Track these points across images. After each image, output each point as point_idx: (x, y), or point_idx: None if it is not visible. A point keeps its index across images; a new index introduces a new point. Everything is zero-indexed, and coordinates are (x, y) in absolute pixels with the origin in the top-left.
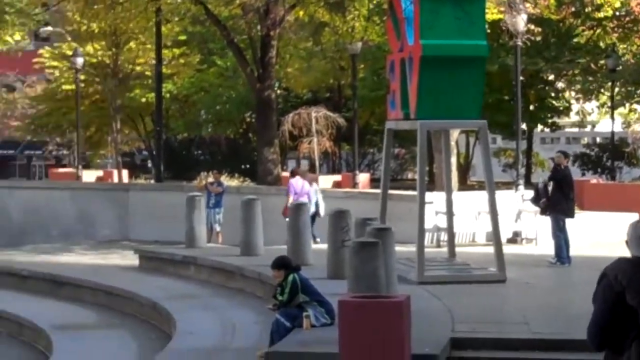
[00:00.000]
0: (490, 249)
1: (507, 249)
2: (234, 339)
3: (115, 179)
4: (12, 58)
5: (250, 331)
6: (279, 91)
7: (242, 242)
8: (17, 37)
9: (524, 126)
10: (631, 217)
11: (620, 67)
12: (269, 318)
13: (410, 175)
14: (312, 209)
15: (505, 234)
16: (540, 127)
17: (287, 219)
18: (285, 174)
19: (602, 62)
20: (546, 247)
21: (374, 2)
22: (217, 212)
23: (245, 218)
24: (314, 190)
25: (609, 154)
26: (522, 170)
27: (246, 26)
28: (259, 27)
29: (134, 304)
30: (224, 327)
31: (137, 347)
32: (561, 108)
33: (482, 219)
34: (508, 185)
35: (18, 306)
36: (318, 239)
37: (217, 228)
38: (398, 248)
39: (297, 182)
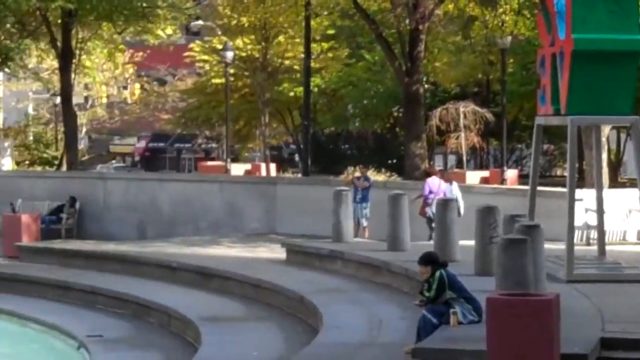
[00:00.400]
0: None
1: None
2: (381, 334)
3: (263, 173)
4: (163, 52)
5: (397, 327)
6: (426, 85)
7: (388, 237)
8: (169, 31)
9: None
10: None
11: None
12: (415, 314)
13: (559, 172)
14: None
15: None
16: None
17: (428, 217)
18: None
19: None
20: None
21: None
22: (363, 206)
23: (392, 213)
24: (450, 189)
25: None
26: None
27: (395, 20)
28: (407, 21)
29: (281, 297)
30: (371, 322)
31: (284, 340)
32: None
33: (633, 217)
34: None
35: (167, 297)
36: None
37: (364, 223)
38: (547, 245)
39: (433, 182)
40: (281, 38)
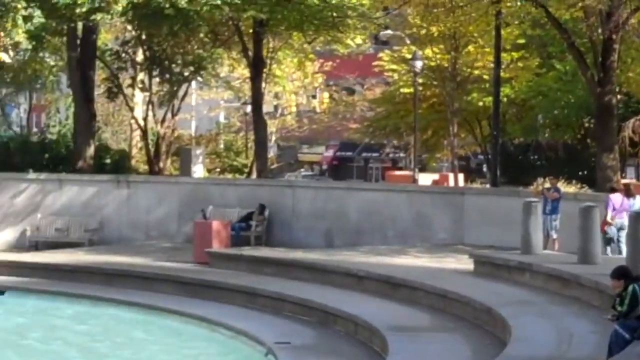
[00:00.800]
0: None
1: None
2: (570, 348)
3: (451, 183)
4: (352, 61)
5: (587, 341)
6: (619, 96)
7: (579, 250)
8: (358, 40)
9: None
10: None
11: None
12: (606, 328)
13: None
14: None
15: None
16: None
17: (606, 234)
18: (625, 181)
19: None
20: None
21: None
22: (553, 218)
23: (583, 226)
24: (633, 205)
25: None
26: None
27: (587, 29)
28: (600, 30)
29: (468, 308)
30: (560, 336)
31: (471, 352)
32: None
33: None
34: None
35: (354, 306)
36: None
37: (554, 235)
38: None
39: (617, 198)
40: (471, 47)
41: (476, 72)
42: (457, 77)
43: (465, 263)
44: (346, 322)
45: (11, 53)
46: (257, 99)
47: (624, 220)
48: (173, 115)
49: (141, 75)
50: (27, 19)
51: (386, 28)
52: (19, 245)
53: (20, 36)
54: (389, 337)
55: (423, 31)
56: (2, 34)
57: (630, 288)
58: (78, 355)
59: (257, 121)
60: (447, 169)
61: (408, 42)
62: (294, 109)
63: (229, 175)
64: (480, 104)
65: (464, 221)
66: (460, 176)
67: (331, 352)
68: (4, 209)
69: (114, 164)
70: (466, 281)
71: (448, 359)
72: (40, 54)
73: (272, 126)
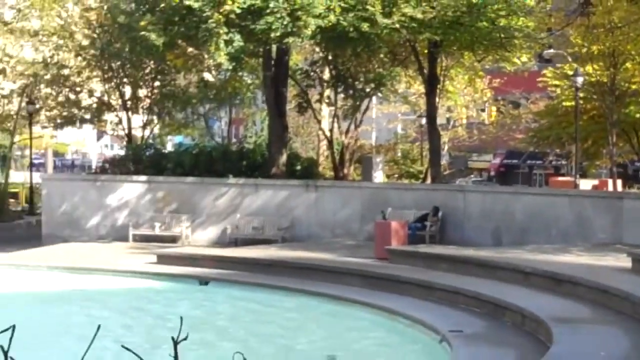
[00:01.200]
0: None
1: None
2: None
3: (610, 188)
4: (518, 78)
5: None
6: None
7: None
8: (524, 59)
9: None
10: None
11: None
12: None
13: None
14: None
15: None
16: None
17: None
18: None
19: None
20: None
21: None
22: None
23: None
24: None
25: None
26: None
27: None
28: None
29: (627, 303)
30: None
31: (630, 343)
32: None
33: None
34: None
35: (522, 299)
36: None
37: None
38: None
39: None
40: (629, 64)
41: (634, 86)
42: (615, 92)
43: (623, 261)
44: (514, 313)
45: (214, 73)
46: (431, 112)
47: None
48: (356, 127)
49: (327, 92)
50: (228, 43)
51: (550, 47)
52: (221, 242)
53: (222, 58)
54: (554, 328)
55: (584, 50)
56: (207, 56)
57: None
58: (272, 338)
59: (432, 132)
60: (606, 176)
61: (570, 60)
62: (464, 121)
63: (406, 181)
64: (638, 115)
65: (623, 223)
66: (619, 182)
67: (500, 341)
68: (207, 209)
69: (304, 171)
70: (625, 278)
71: (608, 348)
72: (239, 74)
73: (444, 137)
